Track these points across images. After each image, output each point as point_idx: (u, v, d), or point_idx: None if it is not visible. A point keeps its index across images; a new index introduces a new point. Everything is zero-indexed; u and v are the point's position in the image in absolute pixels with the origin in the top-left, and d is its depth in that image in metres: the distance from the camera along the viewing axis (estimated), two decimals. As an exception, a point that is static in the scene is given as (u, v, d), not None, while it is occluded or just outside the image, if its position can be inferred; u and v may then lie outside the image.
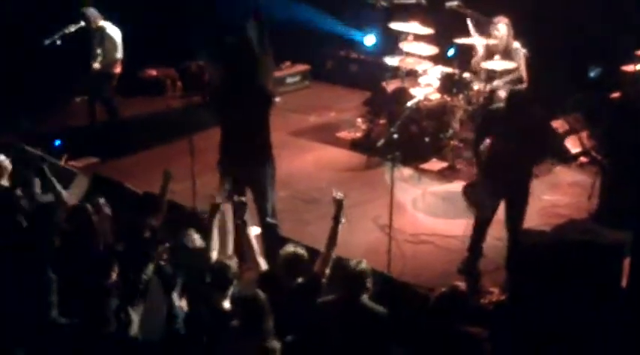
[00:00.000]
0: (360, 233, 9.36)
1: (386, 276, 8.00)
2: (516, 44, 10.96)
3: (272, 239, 8.48)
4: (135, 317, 6.52)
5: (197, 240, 7.45)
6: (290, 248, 6.94)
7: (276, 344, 6.15)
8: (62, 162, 10.86)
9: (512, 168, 8.38)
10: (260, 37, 10.96)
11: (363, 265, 6.48)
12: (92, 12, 11.59)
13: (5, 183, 8.59)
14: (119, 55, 11.69)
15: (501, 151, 8.44)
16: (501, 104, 9.33)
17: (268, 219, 8.59)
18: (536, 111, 8.45)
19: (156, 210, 7.78)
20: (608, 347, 6.98)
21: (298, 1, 13.63)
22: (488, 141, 8.66)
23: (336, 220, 7.12)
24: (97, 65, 11.62)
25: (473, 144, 9.03)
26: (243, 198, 7.65)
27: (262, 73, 8.89)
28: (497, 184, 8.45)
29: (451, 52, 11.75)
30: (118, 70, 11.77)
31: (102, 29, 11.61)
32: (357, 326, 6.36)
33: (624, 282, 7.33)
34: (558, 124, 11.44)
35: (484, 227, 8.75)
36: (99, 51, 11.61)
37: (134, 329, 6.50)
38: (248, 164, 8.46)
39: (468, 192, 8.98)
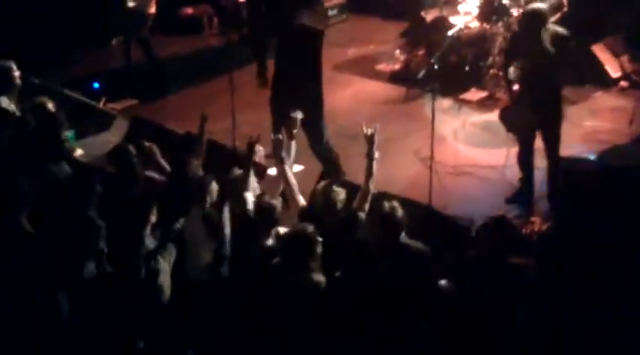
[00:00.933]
0: (402, 166, 9.35)
1: (428, 209, 8.00)
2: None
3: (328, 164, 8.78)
4: (164, 265, 6.50)
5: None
6: (327, 184, 6.97)
7: (321, 278, 6.20)
8: (101, 105, 10.93)
9: (540, 87, 8.30)
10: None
11: (398, 212, 6.46)
12: None
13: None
14: None
15: (527, 71, 8.41)
16: None
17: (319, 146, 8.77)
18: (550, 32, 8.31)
19: (195, 151, 7.79)
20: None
21: None
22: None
23: (370, 156, 7.12)
24: (131, 3, 11.57)
25: (502, 68, 9.02)
26: (280, 135, 7.64)
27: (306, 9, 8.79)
28: (529, 104, 8.37)
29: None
30: (152, 9, 11.72)
31: None
32: (399, 265, 6.37)
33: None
34: (598, 48, 11.27)
35: (528, 149, 8.66)
36: None
37: (163, 277, 6.47)
38: (299, 96, 8.50)
39: (504, 116, 8.88)
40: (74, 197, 6.75)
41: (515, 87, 8.74)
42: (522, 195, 8.69)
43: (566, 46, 8.29)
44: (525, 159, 8.70)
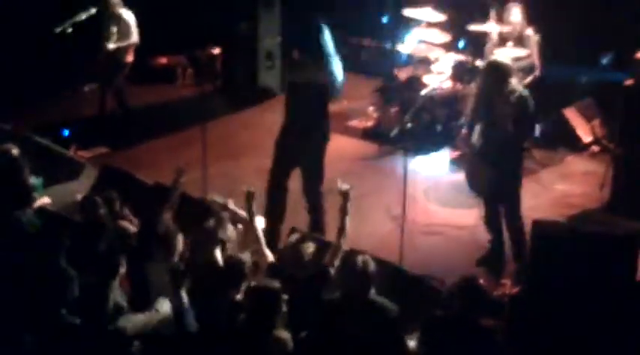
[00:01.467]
0: (373, 223, 9.34)
1: (398, 269, 7.95)
2: (529, 30, 10.91)
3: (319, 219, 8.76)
4: (133, 316, 6.41)
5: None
6: (296, 238, 6.92)
7: (286, 335, 6.12)
8: (71, 152, 10.83)
9: (496, 146, 8.26)
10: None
11: (370, 266, 6.41)
12: None
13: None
14: (134, 39, 11.60)
15: (485, 129, 8.38)
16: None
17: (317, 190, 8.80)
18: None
19: (166, 203, 7.71)
20: (624, 340, 6.93)
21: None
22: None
23: (344, 212, 7.08)
24: (111, 45, 11.51)
25: (467, 126, 8.92)
26: (252, 188, 7.60)
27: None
28: (487, 165, 8.36)
29: (461, 44, 11.66)
30: (130, 58, 11.68)
31: (119, 14, 11.49)
32: (368, 323, 6.31)
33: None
34: (570, 112, 11.38)
35: (494, 210, 8.64)
36: (113, 33, 11.50)
37: (130, 327, 6.35)
38: (305, 140, 8.67)
39: (466, 173, 8.89)
40: (44, 246, 6.65)
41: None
42: (493, 256, 8.67)
43: (527, 107, 8.28)
44: (493, 220, 8.69)
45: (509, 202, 8.50)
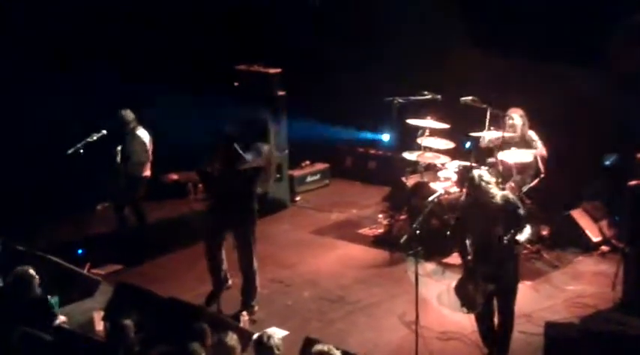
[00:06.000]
0: (387, 331, 9.36)
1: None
2: (532, 133, 11.11)
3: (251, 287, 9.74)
4: None
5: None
6: (321, 347, 6.95)
7: None
8: (85, 270, 10.92)
9: (490, 256, 8.25)
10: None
11: None
12: (129, 114, 11.62)
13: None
14: (148, 157, 11.74)
15: (476, 242, 8.40)
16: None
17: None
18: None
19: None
20: None
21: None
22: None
23: None
24: (129, 166, 11.64)
25: (457, 241, 8.74)
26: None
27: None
28: (478, 277, 8.34)
29: (468, 145, 11.83)
30: (147, 173, 11.82)
31: (134, 131, 11.66)
32: None
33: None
34: (577, 213, 11.49)
35: (484, 322, 8.64)
36: (129, 152, 11.64)
37: None
38: (234, 219, 9.74)
39: (457, 289, 8.85)
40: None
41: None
42: None
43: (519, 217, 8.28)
44: (481, 331, 8.68)
45: (506, 299, 8.44)
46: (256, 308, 9.76)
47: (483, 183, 8.23)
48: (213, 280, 10.02)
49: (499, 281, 8.23)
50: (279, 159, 13.22)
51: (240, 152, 9.36)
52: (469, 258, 8.46)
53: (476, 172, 8.44)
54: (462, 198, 9.06)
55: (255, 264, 9.83)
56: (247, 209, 9.74)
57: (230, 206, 9.69)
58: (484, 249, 8.28)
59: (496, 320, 8.52)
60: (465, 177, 11.02)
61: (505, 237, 8.05)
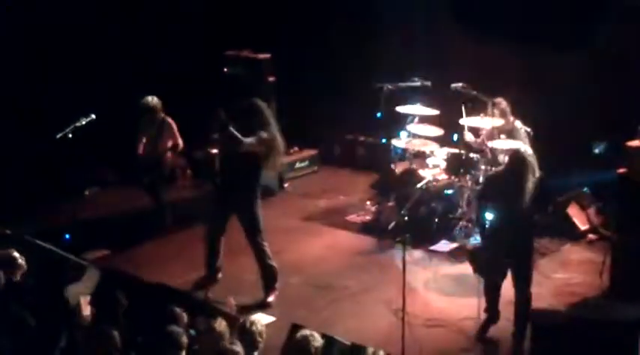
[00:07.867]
0: (374, 318, 9.36)
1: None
2: (518, 123, 11.11)
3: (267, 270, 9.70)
4: None
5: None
6: (304, 332, 6.96)
7: None
8: (73, 255, 10.88)
9: (514, 229, 8.44)
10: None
11: None
12: (157, 102, 11.87)
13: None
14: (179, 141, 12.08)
15: (500, 216, 8.56)
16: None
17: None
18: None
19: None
20: None
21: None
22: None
23: None
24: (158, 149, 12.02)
25: (476, 210, 9.15)
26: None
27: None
28: (501, 247, 8.48)
29: (455, 137, 11.85)
30: (178, 140, 12.13)
31: (164, 118, 11.92)
32: None
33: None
34: (565, 201, 11.50)
35: (494, 292, 8.78)
36: (155, 136, 11.98)
37: None
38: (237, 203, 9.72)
39: (472, 257, 8.96)
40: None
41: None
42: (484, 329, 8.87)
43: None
44: (490, 300, 8.85)
45: (527, 272, 8.63)
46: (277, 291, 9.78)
47: (530, 158, 8.91)
48: (207, 266, 10.01)
49: (519, 250, 8.49)
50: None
51: (237, 134, 9.29)
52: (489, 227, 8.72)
53: (522, 148, 9.37)
54: (493, 169, 10.27)
55: (267, 248, 9.77)
56: (250, 193, 9.68)
57: (232, 191, 9.68)
58: (509, 218, 8.47)
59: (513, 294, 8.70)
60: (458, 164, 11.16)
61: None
